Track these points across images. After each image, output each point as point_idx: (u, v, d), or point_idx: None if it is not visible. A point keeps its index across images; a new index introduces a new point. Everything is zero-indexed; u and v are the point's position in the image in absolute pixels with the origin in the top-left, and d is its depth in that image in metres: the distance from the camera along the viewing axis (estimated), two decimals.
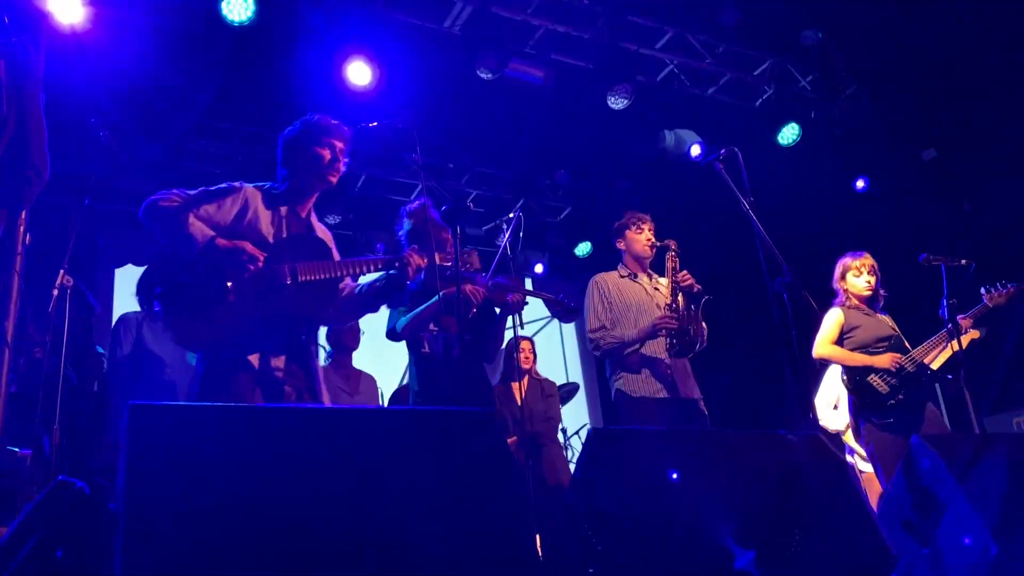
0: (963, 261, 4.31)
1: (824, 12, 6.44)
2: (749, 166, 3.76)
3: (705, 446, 2.48)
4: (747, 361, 7.60)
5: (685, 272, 4.06)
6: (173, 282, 2.79)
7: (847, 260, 4.57)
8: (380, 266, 3.09)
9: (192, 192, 2.90)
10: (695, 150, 7.07)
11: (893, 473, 2.75)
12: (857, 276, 4.49)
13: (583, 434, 7.25)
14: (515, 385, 5.58)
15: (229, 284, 2.80)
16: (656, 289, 4.25)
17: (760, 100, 7.27)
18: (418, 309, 3.88)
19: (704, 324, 4.14)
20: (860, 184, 7.64)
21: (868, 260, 4.52)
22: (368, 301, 3.21)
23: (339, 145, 3.10)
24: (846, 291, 4.53)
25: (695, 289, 4.01)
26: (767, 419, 7.03)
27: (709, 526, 2.13)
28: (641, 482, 2.14)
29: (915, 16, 6.26)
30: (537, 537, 2.46)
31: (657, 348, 4.04)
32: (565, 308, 4.02)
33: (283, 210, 3.06)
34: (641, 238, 4.25)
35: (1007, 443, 2.84)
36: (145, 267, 2.85)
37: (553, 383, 6.02)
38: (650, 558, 2.04)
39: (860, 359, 4.29)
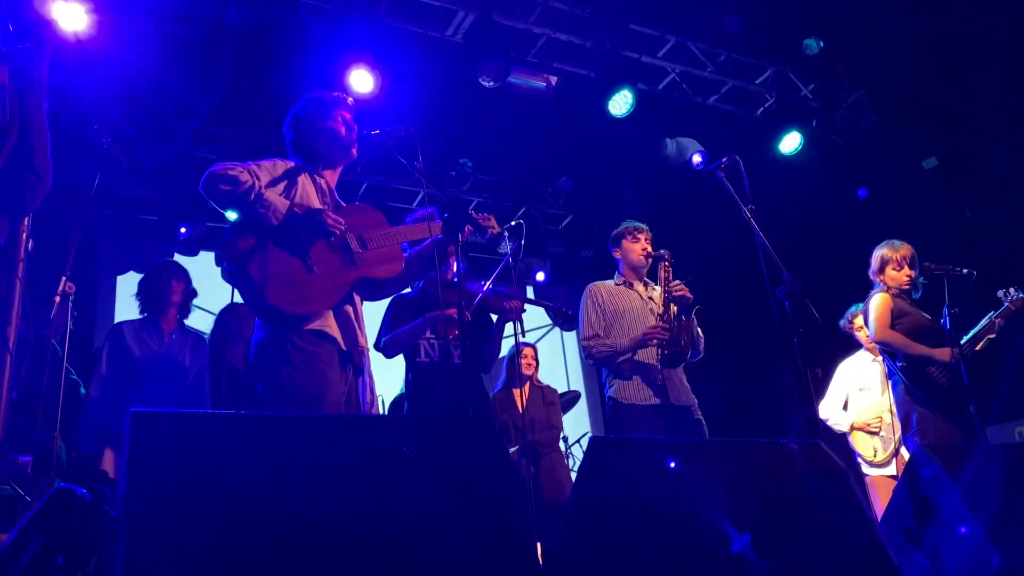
0: (964, 270, 4.30)
1: (825, 20, 6.46)
2: (750, 174, 3.77)
3: (706, 455, 2.48)
4: (749, 368, 7.60)
5: (678, 282, 4.06)
6: (259, 249, 2.78)
7: (885, 252, 4.41)
8: (435, 230, 3.13)
9: (249, 164, 2.89)
10: (697, 158, 7.07)
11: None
12: (898, 269, 4.35)
13: (584, 443, 7.24)
14: (516, 392, 5.58)
15: (311, 253, 2.81)
16: (651, 298, 4.26)
17: (761, 108, 7.28)
18: (400, 329, 3.90)
19: (701, 334, 4.15)
20: (861, 193, 7.64)
21: (908, 250, 4.37)
22: (419, 267, 3.24)
23: (348, 116, 3.15)
24: (885, 284, 4.37)
25: (688, 299, 4.00)
26: (769, 427, 7.01)
27: (710, 535, 2.12)
28: (642, 491, 2.13)
29: (916, 25, 6.27)
30: (538, 545, 2.46)
31: (649, 356, 4.04)
32: (563, 316, 4.03)
33: (323, 184, 3.10)
34: (636, 248, 4.27)
35: (1009, 452, 2.83)
36: (227, 233, 2.83)
37: (555, 391, 6.01)
38: (651, 567, 2.04)
39: (921, 349, 4.16)
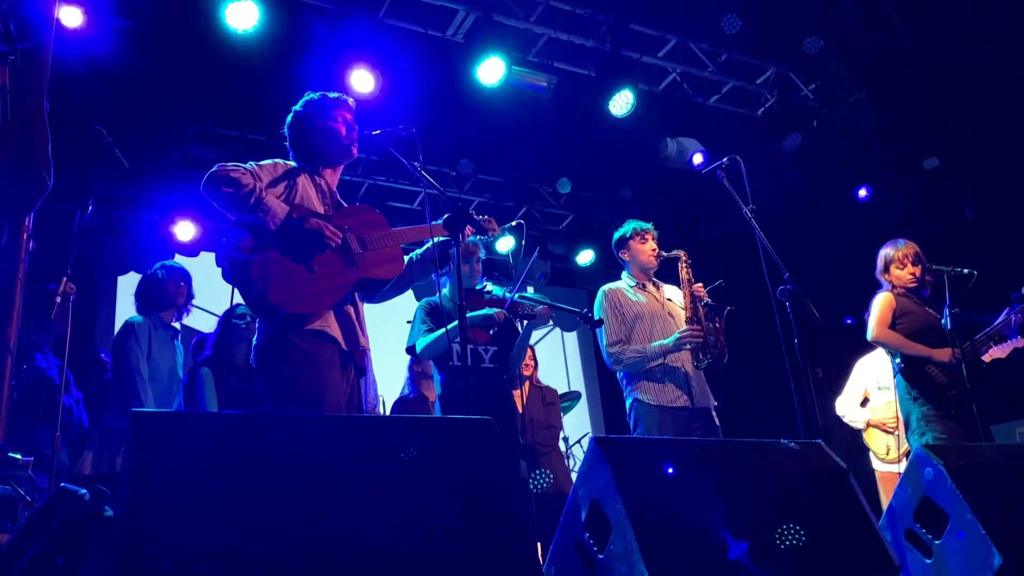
0: (965, 270, 4.30)
1: (826, 21, 6.46)
2: (751, 174, 3.77)
3: (706, 455, 2.48)
4: (749, 369, 7.60)
5: (700, 284, 4.05)
6: (259, 249, 2.80)
7: (888, 251, 4.45)
8: (434, 232, 3.14)
9: (251, 166, 2.90)
10: (697, 158, 7.07)
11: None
12: (901, 268, 4.39)
13: (585, 443, 7.24)
14: (516, 393, 5.57)
15: (314, 261, 2.83)
16: (669, 299, 4.24)
17: (762, 109, 7.28)
18: (438, 332, 3.89)
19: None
20: (862, 193, 7.65)
21: (911, 248, 4.40)
22: (421, 269, 3.26)
23: (348, 116, 3.16)
24: (891, 283, 4.41)
25: (707, 300, 4.01)
26: (769, 427, 7.01)
27: (711, 535, 2.12)
28: (643, 492, 2.13)
29: (917, 25, 6.27)
30: (538, 545, 2.46)
31: (677, 358, 4.00)
32: (589, 321, 4.00)
33: (323, 184, 3.11)
34: (646, 248, 4.22)
35: (1010, 452, 2.83)
36: (228, 234, 2.85)
37: (555, 391, 6.00)
38: (651, 567, 2.04)
39: (919, 349, 4.17)
